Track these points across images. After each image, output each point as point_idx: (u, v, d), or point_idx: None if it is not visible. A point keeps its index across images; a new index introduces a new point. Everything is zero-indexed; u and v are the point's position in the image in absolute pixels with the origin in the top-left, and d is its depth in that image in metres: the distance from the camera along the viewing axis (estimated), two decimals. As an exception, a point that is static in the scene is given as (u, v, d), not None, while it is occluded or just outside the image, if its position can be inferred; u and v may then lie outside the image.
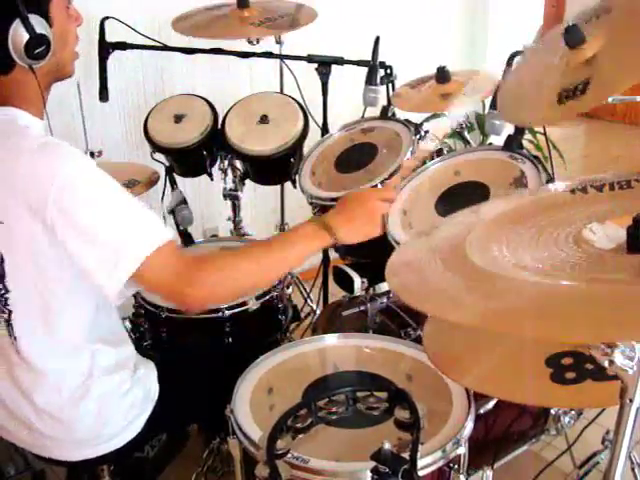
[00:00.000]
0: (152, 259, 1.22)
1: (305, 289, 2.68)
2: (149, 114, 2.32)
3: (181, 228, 2.20)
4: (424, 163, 1.80)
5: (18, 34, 1.24)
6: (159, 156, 2.29)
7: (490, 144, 2.46)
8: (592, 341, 0.82)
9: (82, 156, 1.27)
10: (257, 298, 1.88)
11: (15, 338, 1.34)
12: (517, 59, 1.73)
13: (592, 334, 0.77)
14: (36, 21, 1.25)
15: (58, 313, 1.33)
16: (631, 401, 0.86)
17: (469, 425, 1.27)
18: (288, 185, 2.39)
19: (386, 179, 1.82)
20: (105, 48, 2.11)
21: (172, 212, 2.21)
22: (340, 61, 2.11)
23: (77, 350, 1.38)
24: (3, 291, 1.30)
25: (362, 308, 1.93)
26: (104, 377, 1.40)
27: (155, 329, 1.89)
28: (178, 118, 2.28)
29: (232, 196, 2.42)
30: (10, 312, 1.32)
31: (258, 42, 2.25)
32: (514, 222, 1.08)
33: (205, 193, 2.80)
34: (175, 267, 1.26)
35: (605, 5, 1.28)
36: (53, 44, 1.29)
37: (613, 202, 1.06)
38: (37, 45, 1.26)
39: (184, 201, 2.21)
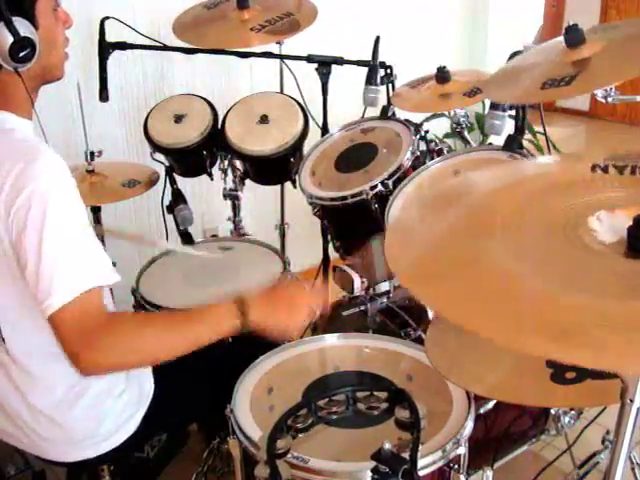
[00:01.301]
0: (71, 305, 1.17)
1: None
2: (149, 114, 2.32)
3: (181, 228, 2.20)
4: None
5: (2, 37, 1.23)
6: (159, 156, 2.29)
7: (490, 144, 2.46)
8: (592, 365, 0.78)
9: (62, 174, 1.23)
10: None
11: (3, 339, 1.34)
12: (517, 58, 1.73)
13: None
14: (21, 24, 1.24)
15: (40, 315, 1.31)
16: (631, 401, 0.86)
17: (469, 425, 1.27)
18: (288, 185, 2.39)
19: (386, 179, 1.82)
20: (105, 48, 2.11)
21: (172, 212, 2.21)
22: (340, 61, 2.12)
23: None
24: None
25: (362, 308, 1.94)
26: (98, 377, 1.40)
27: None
28: (178, 118, 2.28)
29: (232, 196, 2.41)
30: None
31: (258, 42, 2.24)
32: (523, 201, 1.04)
33: (205, 193, 2.80)
34: (83, 325, 1.19)
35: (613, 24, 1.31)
36: (39, 47, 1.28)
37: (631, 189, 1.00)
38: (22, 48, 1.25)
39: (184, 201, 2.21)
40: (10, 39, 1.23)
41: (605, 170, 1.04)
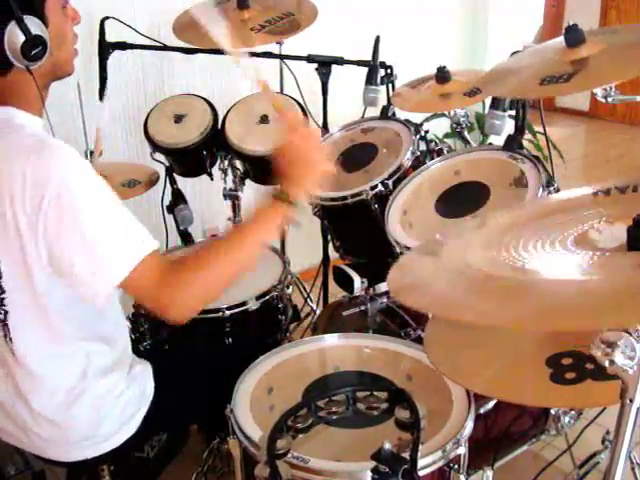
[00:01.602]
0: (135, 272, 1.22)
1: (305, 289, 2.68)
2: (149, 114, 2.32)
3: (181, 228, 2.20)
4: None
5: (14, 36, 1.23)
6: (159, 156, 2.29)
7: (490, 144, 2.46)
8: (594, 326, 0.82)
9: (78, 159, 1.25)
10: (257, 298, 1.88)
11: (11, 339, 1.34)
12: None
13: (592, 321, 0.78)
14: (31, 22, 1.25)
15: (53, 314, 1.32)
16: (631, 401, 0.86)
17: (469, 425, 1.27)
18: (288, 185, 2.38)
19: (386, 179, 1.82)
20: (105, 48, 2.11)
21: (172, 212, 2.22)
22: (340, 61, 2.12)
23: (72, 351, 1.37)
24: (0, 291, 1.30)
25: (362, 308, 1.93)
26: (99, 378, 1.40)
27: (155, 329, 1.89)
28: (178, 118, 2.28)
29: (232, 196, 2.41)
30: (6, 313, 1.32)
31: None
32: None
33: (205, 193, 2.80)
34: (158, 280, 1.25)
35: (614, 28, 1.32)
36: (50, 44, 1.28)
37: (631, 203, 1.06)
38: (33, 46, 1.25)
39: (184, 201, 2.21)
40: (22, 38, 1.24)
41: (607, 193, 1.09)
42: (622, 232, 0.92)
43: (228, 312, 1.81)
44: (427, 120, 2.68)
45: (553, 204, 1.19)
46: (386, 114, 2.09)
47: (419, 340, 1.64)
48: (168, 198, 2.25)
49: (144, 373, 1.51)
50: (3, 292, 1.30)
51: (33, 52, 1.26)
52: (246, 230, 1.37)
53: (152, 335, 1.90)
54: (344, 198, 1.85)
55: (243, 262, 1.34)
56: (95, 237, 1.21)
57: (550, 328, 0.83)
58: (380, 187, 1.81)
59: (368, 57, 2.05)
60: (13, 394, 1.38)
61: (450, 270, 0.99)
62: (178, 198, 2.22)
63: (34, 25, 1.25)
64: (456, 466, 1.23)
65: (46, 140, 1.26)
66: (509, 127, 1.79)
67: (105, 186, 1.27)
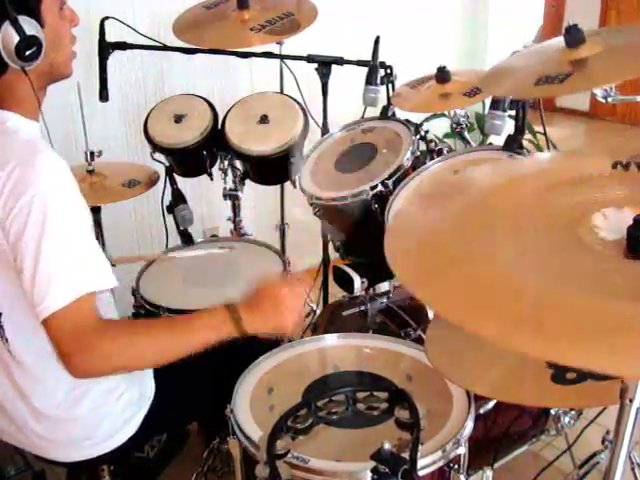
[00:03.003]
0: (67, 310, 1.17)
1: (305, 289, 2.67)
2: (149, 114, 2.32)
3: (181, 228, 2.20)
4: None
5: (8, 36, 1.23)
6: (159, 156, 2.29)
7: (490, 144, 2.46)
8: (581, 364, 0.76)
9: (64, 174, 1.24)
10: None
11: (7, 340, 1.34)
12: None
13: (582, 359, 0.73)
14: (26, 23, 1.24)
15: None
16: (631, 401, 0.86)
17: (469, 425, 1.27)
18: (288, 185, 2.39)
19: (386, 179, 1.82)
20: (105, 48, 2.11)
21: (172, 212, 2.21)
22: (340, 61, 2.12)
23: None
24: None
25: (362, 308, 1.94)
26: (98, 380, 1.40)
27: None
28: (178, 118, 2.28)
29: (232, 196, 2.41)
30: (0, 314, 1.32)
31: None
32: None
33: (205, 193, 2.80)
34: (77, 329, 1.18)
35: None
36: (46, 45, 1.28)
37: None
38: (28, 47, 1.25)
39: (184, 201, 2.21)
40: (16, 38, 1.23)
41: (627, 167, 1.02)
42: (628, 223, 0.86)
43: (228, 312, 1.81)
44: (427, 120, 2.69)
45: (565, 171, 1.11)
46: (386, 114, 2.08)
47: (419, 340, 1.64)
48: (168, 198, 2.24)
49: (144, 374, 1.51)
50: None
51: (27, 52, 1.25)
52: (188, 325, 1.30)
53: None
54: (344, 198, 1.85)
55: (165, 354, 1.26)
56: (44, 259, 1.17)
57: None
58: (380, 187, 1.81)
59: (368, 57, 2.05)
60: (14, 394, 1.38)
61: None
62: (178, 198, 2.22)
63: (29, 25, 1.25)
64: (456, 466, 1.23)
65: (37, 148, 1.24)
66: (509, 127, 1.79)
67: (81, 211, 1.25)
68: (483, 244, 0.92)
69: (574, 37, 1.35)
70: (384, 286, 2.01)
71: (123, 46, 2.14)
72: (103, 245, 2.29)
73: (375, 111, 2.12)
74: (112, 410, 1.42)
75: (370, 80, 2.05)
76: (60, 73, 1.38)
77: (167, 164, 2.30)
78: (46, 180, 1.20)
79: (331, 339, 1.57)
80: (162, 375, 1.52)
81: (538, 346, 0.73)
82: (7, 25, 1.23)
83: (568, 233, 0.91)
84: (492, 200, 1.04)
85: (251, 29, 2.09)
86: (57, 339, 1.19)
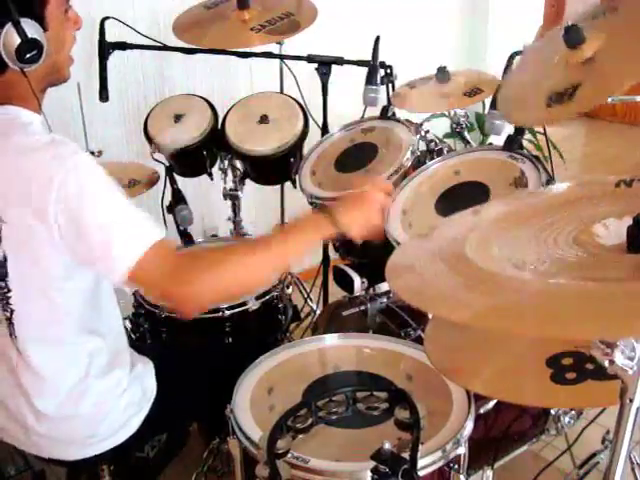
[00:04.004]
0: (143, 260, 1.21)
1: (305, 289, 2.68)
2: (149, 114, 2.32)
3: (181, 228, 2.20)
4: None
5: (10, 38, 1.23)
6: (159, 156, 2.29)
7: (490, 144, 2.46)
8: (592, 337, 0.82)
9: (84, 156, 1.27)
10: (257, 298, 1.88)
11: (16, 337, 1.34)
12: (518, 58, 1.73)
13: (591, 331, 0.76)
14: (29, 25, 1.25)
15: (59, 312, 1.33)
16: (631, 401, 0.86)
17: (469, 425, 1.27)
18: (288, 185, 2.39)
19: (386, 179, 1.82)
20: (105, 48, 2.11)
21: (172, 212, 2.21)
22: (340, 61, 2.12)
23: (75, 349, 1.38)
24: (5, 290, 1.30)
25: (362, 308, 1.93)
26: (101, 376, 1.40)
27: (155, 329, 1.89)
28: (178, 118, 2.28)
29: (232, 196, 2.42)
30: (12, 311, 1.32)
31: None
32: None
33: (205, 193, 2.80)
34: (165, 267, 1.24)
35: (612, 4, 1.27)
36: (48, 48, 1.28)
37: None
38: (29, 49, 1.25)
39: (184, 201, 2.21)
40: (18, 40, 1.24)
41: (630, 185, 1.05)
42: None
43: (228, 312, 1.81)
44: (427, 120, 2.68)
45: (571, 194, 1.14)
46: (386, 114, 2.08)
47: (419, 340, 1.64)
48: (168, 198, 2.24)
49: (146, 372, 1.51)
50: (9, 291, 1.30)
51: (28, 55, 1.26)
52: (276, 237, 1.37)
53: (152, 335, 1.90)
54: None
55: (265, 266, 1.34)
56: (98, 231, 1.22)
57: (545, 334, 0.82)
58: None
59: (368, 57, 2.05)
60: (16, 392, 1.38)
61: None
62: (178, 198, 2.22)
63: (31, 28, 1.25)
64: (456, 466, 1.23)
65: (56, 139, 1.27)
66: (509, 127, 1.79)
67: (110, 181, 1.28)
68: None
69: (574, 37, 1.33)
70: (384, 286, 2.01)
71: (123, 46, 2.14)
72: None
73: (375, 111, 2.12)
74: (113, 408, 1.43)
75: (370, 80, 2.05)
76: (59, 76, 1.39)
77: (167, 164, 2.30)
78: (74, 160, 1.23)
79: (331, 339, 1.57)
80: (163, 375, 1.53)
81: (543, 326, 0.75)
82: (9, 27, 1.23)
83: (570, 244, 0.93)
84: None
85: (251, 29, 2.09)
86: (153, 285, 1.27)
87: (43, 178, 1.20)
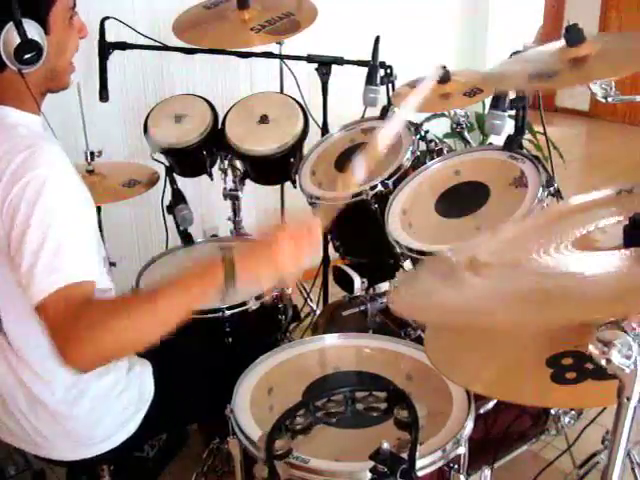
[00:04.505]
0: (54, 296, 1.14)
1: (305, 289, 2.68)
2: (149, 114, 2.32)
3: (181, 228, 2.20)
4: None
5: (10, 37, 1.24)
6: (159, 156, 2.29)
7: (490, 144, 2.46)
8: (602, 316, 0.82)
9: (63, 165, 1.24)
10: (257, 298, 1.88)
11: (5, 333, 1.34)
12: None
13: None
14: (31, 26, 1.25)
15: None
16: (628, 399, 0.86)
17: (469, 425, 1.27)
18: (288, 185, 2.39)
19: (386, 179, 1.82)
20: (105, 48, 2.11)
21: (172, 212, 2.22)
22: (340, 61, 2.12)
23: None
24: None
25: (362, 308, 1.93)
26: (98, 377, 1.40)
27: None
28: (178, 118, 2.28)
29: (232, 196, 2.42)
30: None
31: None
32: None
33: (205, 193, 2.80)
34: (65, 314, 1.13)
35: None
36: (48, 52, 1.28)
37: None
38: (27, 50, 1.25)
39: (184, 201, 2.21)
40: (17, 40, 1.24)
41: (630, 192, 1.07)
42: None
43: (228, 312, 1.81)
44: (427, 120, 2.69)
45: (573, 206, 1.17)
46: (386, 114, 2.09)
47: (419, 340, 1.64)
48: (168, 198, 2.25)
49: (144, 373, 1.51)
50: None
51: (26, 56, 1.26)
52: (173, 283, 1.20)
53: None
54: (344, 198, 1.85)
55: (160, 317, 1.17)
56: (32, 242, 1.16)
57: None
58: (380, 187, 1.81)
59: (368, 57, 2.05)
60: (15, 389, 1.39)
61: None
62: (178, 198, 2.22)
63: (33, 30, 1.25)
64: (456, 466, 1.23)
65: (36, 141, 1.25)
66: (509, 127, 1.79)
67: (78, 201, 1.24)
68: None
69: (574, 37, 1.35)
70: (384, 286, 2.01)
71: (123, 46, 2.15)
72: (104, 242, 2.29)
73: (375, 111, 2.12)
74: (112, 409, 1.43)
75: (370, 80, 2.05)
76: (58, 82, 1.38)
77: (167, 164, 2.30)
78: (44, 168, 1.20)
79: (331, 339, 1.57)
80: (162, 375, 1.53)
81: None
82: (10, 26, 1.23)
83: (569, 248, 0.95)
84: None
85: (251, 29, 2.09)
86: (46, 328, 1.14)
87: (13, 174, 1.19)
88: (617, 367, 0.82)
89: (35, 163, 1.20)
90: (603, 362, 0.82)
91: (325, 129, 2.24)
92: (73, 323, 1.12)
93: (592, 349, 0.82)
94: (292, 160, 2.23)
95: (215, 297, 1.19)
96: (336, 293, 2.09)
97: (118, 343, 1.14)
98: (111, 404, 1.43)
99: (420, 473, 1.14)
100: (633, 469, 1.69)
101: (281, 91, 2.53)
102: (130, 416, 1.45)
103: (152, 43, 2.21)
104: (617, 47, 1.39)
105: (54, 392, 1.37)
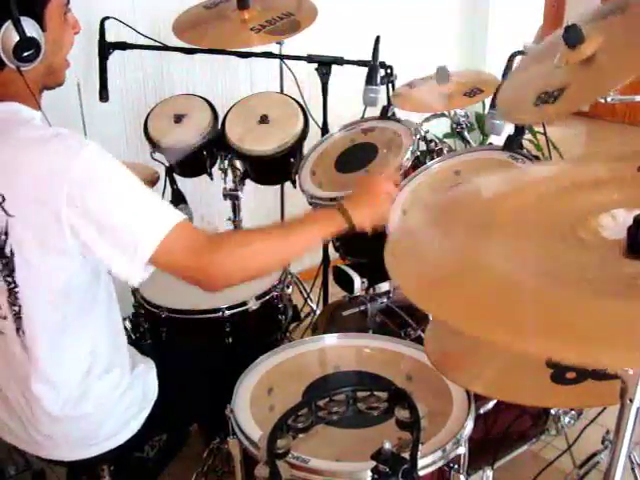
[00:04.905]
0: (168, 241, 1.23)
1: (305, 289, 2.68)
2: (149, 114, 2.32)
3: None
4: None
5: (8, 35, 1.24)
6: (159, 156, 2.29)
7: (490, 144, 2.46)
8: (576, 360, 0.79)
9: (93, 145, 1.26)
10: (257, 298, 1.88)
11: (23, 332, 1.34)
12: (518, 58, 1.73)
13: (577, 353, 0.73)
14: (28, 24, 1.25)
15: (66, 308, 1.32)
16: (631, 401, 0.86)
17: (469, 425, 1.27)
18: (288, 185, 2.39)
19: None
20: (105, 48, 2.11)
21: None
22: (340, 61, 2.11)
23: (79, 346, 1.37)
24: (13, 285, 1.30)
25: (362, 308, 1.94)
26: (102, 375, 1.40)
27: (155, 329, 1.89)
28: (178, 118, 2.28)
29: (232, 196, 2.41)
30: (20, 307, 1.32)
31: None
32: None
33: (205, 193, 2.80)
34: (192, 247, 1.27)
35: (621, 5, 1.27)
36: (45, 48, 1.29)
37: None
38: (26, 48, 1.26)
39: (184, 201, 2.21)
40: (16, 38, 1.24)
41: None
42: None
43: (228, 312, 1.81)
44: (427, 120, 2.68)
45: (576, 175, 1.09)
46: (386, 114, 2.08)
47: (419, 340, 1.64)
48: (168, 198, 2.24)
49: (148, 373, 1.51)
50: (17, 286, 1.30)
51: (25, 54, 1.26)
52: (296, 223, 1.43)
53: (152, 335, 1.90)
54: (344, 198, 1.85)
55: (283, 251, 1.41)
56: (114, 219, 1.23)
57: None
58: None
59: (368, 57, 2.05)
60: (18, 389, 1.39)
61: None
62: (178, 198, 2.22)
63: (31, 27, 1.26)
64: (456, 466, 1.23)
65: (62, 131, 1.27)
66: (509, 127, 1.79)
67: (122, 168, 1.29)
68: (485, 251, 0.92)
69: (574, 37, 1.33)
70: (384, 286, 2.01)
71: (123, 46, 2.14)
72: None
73: (375, 111, 2.12)
74: (115, 408, 1.43)
75: (370, 80, 2.05)
76: (55, 78, 1.39)
77: (167, 164, 2.30)
78: (82, 157, 1.22)
79: (331, 339, 1.57)
80: (164, 375, 1.53)
81: (539, 345, 0.73)
82: (9, 24, 1.24)
83: (568, 234, 0.91)
84: (495, 206, 1.04)
85: (251, 29, 2.09)
86: (176, 266, 1.28)
87: (54, 172, 1.20)
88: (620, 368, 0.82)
89: (74, 146, 1.23)
90: (606, 363, 0.82)
91: (325, 129, 2.24)
92: (211, 248, 1.29)
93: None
94: (292, 160, 2.23)
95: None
96: (336, 293, 2.09)
97: (256, 262, 1.35)
98: (115, 403, 1.43)
99: (420, 473, 1.14)
100: (633, 469, 1.69)
101: (281, 91, 2.52)
102: (133, 415, 1.46)
103: (152, 43, 2.21)
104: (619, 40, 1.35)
105: (61, 392, 1.37)
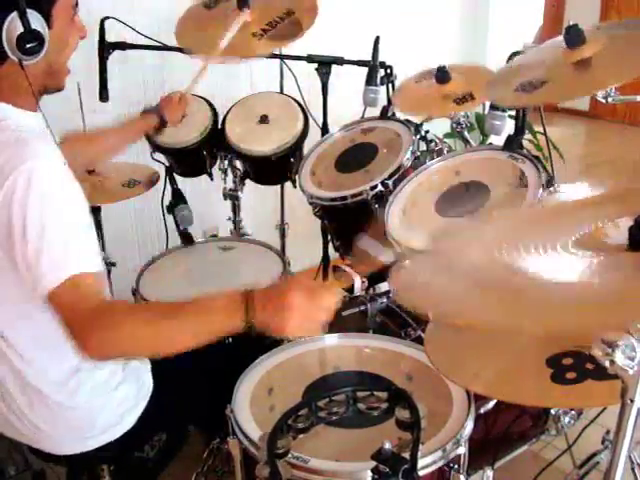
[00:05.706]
0: (63, 287, 1.17)
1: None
2: (149, 114, 2.31)
3: (181, 228, 2.20)
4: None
5: (13, 26, 1.24)
6: (159, 156, 2.29)
7: (490, 144, 2.46)
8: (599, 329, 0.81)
9: (52, 158, 1.24)
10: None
11: (3, 337, 1.34)
12: (518, 58, 1.73)
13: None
14: (34, 17, 1.25)
15: (33, 303, 1.28)
16: (632, 401, 0.86)
17: (469, 425, 1.27)
18: (288, 185, 2.39)
19: (386, 179, 1.82)
20: (105, 48, 2.11)
21: (172, 212, 2.21)
22: (340, 61, 2.12)
23: (62, 340, 1.36)
24: None
25: (362, 308, 1.93)
26: (94, 369, 1.41)
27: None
28: (178, 118, 2.27)
29: (232, 196, 2.42)
30: None
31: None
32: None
33: (205, 193, 2.80)
34: (75, 307, 1.17)
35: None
36: (48, 45, 1.29)
37: None
38: (30, 40, 1.26)
39: (184, 201, 2.21)
40: (20, 29, 1.24)
41: None
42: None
43: (228, 312, 1.81)
44: (427, 120, 2.68)
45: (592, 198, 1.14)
46: (386, 114, 2.09)
47: (419, 340, 1.64)
48: (168, 198, 2.25)
49: (141, 369, 1.52)
50: None
51: (28, 46, 1.26)
52: (196, 308, 1.22)
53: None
54: (344, 198, 1.85)
55: (171, 339, 1.22)
56: (35, 238, 1.18)
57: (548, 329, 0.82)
58: (380, 187, 1.81)
59: (368, 57, 2.05)
60: (11, 380, 1.39)
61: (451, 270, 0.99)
62: (178, 198, 2.22)
63: (36, 21, 1.26)
64: (456, 466, 1.23)
65: (22, 137, 1.25)
66: (509, 127, 1.79)
67: (70, 194, 1.25)
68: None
69: (574, 37, 1.34)
70: (384, 286, 2.01)
71: (123, 46, 2.15)
72: (103, 245, 2.29)
73: (375, 111, 2.12)
74: (110, 400, 1.44)
75: (370, 80, 2.05)
76: (55, 79, 1.38)
77: (167, 164, 2.30)
78: (32, 163, 1.20)
79: (331, 339, 1.57)
80: (161, 373, 1.53)
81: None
82: (15, 15, 1.24)
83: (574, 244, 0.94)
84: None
85: (253, 34, 2.07)
86: (61, 315, 1.19)
87: (1, 170, 1.19)
88: (621, 368, 0.82)
89: (25, 155, 1.20)
90: (607, 363, 0.82)
91: (325, 129, 2.24)
92: (92, 317, 1.17)
93: (595, 350, 0.82)
94: (292, 160, 2.23)
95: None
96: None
97: (134, 347, 1.23)
98: (109, 395, 1.43)
99: (420, 473, 1.14)
100: (633, 469, 1.69)
101: (281, 91, 2.52)
102: (129, 409, 1.46)
103: (152, 43, 2.21)
104: (620, 43, 1.37)
105: (49, 386, 1.38)
